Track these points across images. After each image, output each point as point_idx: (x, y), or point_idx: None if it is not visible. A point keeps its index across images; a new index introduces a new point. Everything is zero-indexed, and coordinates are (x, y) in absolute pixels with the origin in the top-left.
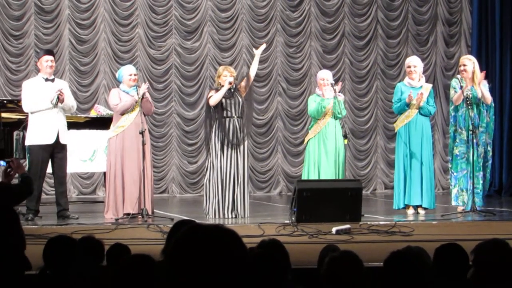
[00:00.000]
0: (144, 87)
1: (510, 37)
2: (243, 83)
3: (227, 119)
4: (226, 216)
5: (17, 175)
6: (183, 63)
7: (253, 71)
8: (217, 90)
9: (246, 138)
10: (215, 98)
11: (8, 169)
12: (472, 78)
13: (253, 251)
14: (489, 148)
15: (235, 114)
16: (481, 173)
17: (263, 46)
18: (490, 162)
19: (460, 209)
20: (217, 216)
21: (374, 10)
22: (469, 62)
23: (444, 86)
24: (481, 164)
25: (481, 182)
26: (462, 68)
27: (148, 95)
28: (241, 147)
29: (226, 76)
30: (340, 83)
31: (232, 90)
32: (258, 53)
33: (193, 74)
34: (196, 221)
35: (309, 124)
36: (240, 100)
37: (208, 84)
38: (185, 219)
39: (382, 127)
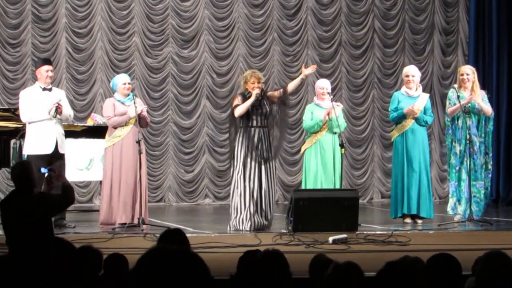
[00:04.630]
0: (143, 109)
1: (507, 46)
2: (276, 94)
3: (252, 128)
4: (246, 229)
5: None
6: (180, 71)
7: (292, 86)
8: (243, 95)
9: (275, 155)
10: (240, 110)
11: (49, 178)
12: (471, 88)
13: (255, 258)
14: (489, 159)
15: (261, 124)
16: (481, 182)
17: (313, 68)
18: (490, 172)
19: (456, 218)
20: (234, 230)
21: (370, 19)
22: (471, 72)
23: (441, 95)
24: (481, 173)
25: (482, 191)
26: (464, 77)
27: (145, 113)
28: (270, 163)
29: (254, 84)
30: (339, 105)
31: (260, 98)
32: (306, 73)
33: (190, 83)
34: (191, 229)
35: (306, 133)
36: (268, 109)
37: (205, 93)
38: (172, 228)
39: (379, 136)
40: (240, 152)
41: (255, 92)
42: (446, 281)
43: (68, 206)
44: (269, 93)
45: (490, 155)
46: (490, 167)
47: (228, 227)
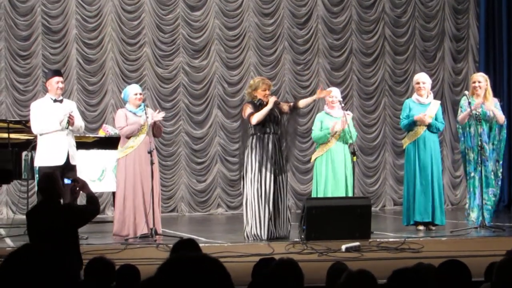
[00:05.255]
0: (160, 116)
1: None
2: (286, 107)
3: (267, 135)
4: (263, 237)
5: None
6: (191, 81)
7: (303, 103)
8: (253, 103)
9: (287, 165)
10: (258, 117)
11: (74, 188)
12: (484, 96)
13: (269, 266)
14: (499, 167)
15: (274, 131)
16: (492, 189)
17: (328, 93)
18: (500, 179)
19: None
20: (252, 239)
21: (381, 27)
22: (483, 79)
23: (452, 102)
24: (493, 181)
25: (492, 199)
26: (476, 85)
27: (160, 119)
28: (284, 173)
29: (265, 91)
30: (349, 113)
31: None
32: (319, 96)
33: (201, 92)
34: (203, 239)
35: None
36: (279, 116)
37: (216, 102)
38: (185, 239)
39: (391, 144)
40: (254, 160)
41: (273, 99)
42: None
43: (95, 216)
44: (280, 103)
45: (501, 162)
46: (500, 174)
47: (245, 236)
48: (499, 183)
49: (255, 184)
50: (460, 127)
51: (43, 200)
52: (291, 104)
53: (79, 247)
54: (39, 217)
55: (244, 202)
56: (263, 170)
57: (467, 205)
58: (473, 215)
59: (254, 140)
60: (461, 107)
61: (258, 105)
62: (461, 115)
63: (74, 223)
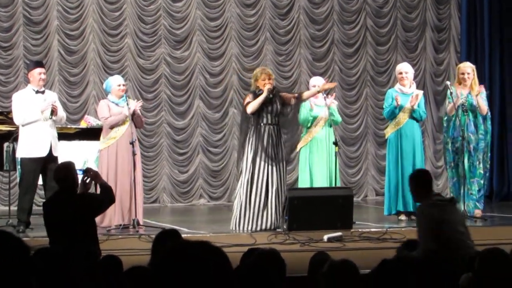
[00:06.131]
0: (138, 105)
1: (499, 43)
2: (291, 96)
3: (263, 126)
4: (249, 229)
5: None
6: (173, 72)
7: (307, 95)
8: (255, 93)
9: (285, 155)
10: (253, 106)
11: (85, 179)
12: (470, 86)
13: (248, 259)
14: (487, 158)
15: (271, 121)
16: (477, 179)
17: (334, 84)
18: (488, 170)
19: None
20: (240, 230)
21: (363, 17)
22: (471, 71)
23: (434, 92)
24: (479, 170)
25: (476, 188)
26: (465, 76)
27: (139, 111)
28: (280, 164)
29: (265, 80)
30: (333, 95)
31: (271, 96)
32: (325, 87)
33: (183, 83)
34: (186, 230)
35: (301, 131)
36: (278, 107)
37: (198, 93)
38: (167, 229)
39: (373, 134)
40: (249, 150)
41: (267, 87)
42: (438, 277)
43: (110, 205)
44: (283, 93)
45: (489, 154)
46: (487, 165)
47: (233, 226)
48: (487, 174)
49: (247, 174)
50: (446, 118)
51: (59, 190)
52: (296, 95)
53: (97, 237)
54: (56, 207)
55: (236, 191)
56: (257, 160)
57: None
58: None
59: (251, 131)
60: (448, 98)
61: (258, 95)
62: (449, 106)
63: (90, 213)
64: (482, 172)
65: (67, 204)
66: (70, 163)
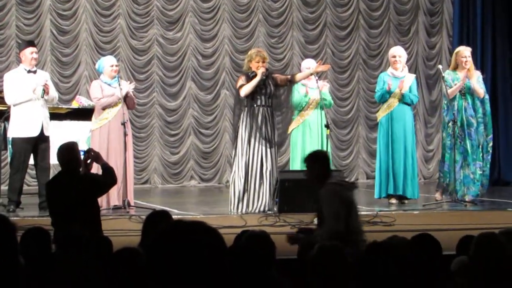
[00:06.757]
0: (130, 87)
1: (491, 27)
2: (283, 78)
3: (257, 107)
4: (244, 211)
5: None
6: (165, 53)
7: (300, 77)
8: (247, 75)
9: (277, 138)
10: (246, 89)
11: (87, 160)
12: (468, 69)
13: (239, 241)
14: (489, 141)
15: (265, 103)
16: (479, 162)
17: (327, 67)
18: (490, 154)
19: (439, 198)
20: (238, 213)
21: (355, 0)
22: (469, 54)
23: (426, 76)
24: (478, 154)
25: (478, 172)
26: (467, 59)
27: (131, 93)
28: (274, 147)
29: (259, 63)
30: (326, 79)
31: (264, 77)
32: (317, 70)
33: (175, 64)
34: (176, 211)
35: (293, 113)
36: (272, 89)
37: (190, 74)
38: (158, 210)
39: (364, 117)
40: (244, 132)
41: (261, 70)
42: (427, 261)
43: (112, 186)
44: (276, 75)
45: (490, 136)
46: (489, 149)
47: (231, 209)
48: (489, 157)
49: (244, 156)
50: (446, 101)
51: (62, 171)
52: (289, 77)
53: (100, 219)
54: (59, 188)
55: (232, 174)
56: (252, 141)
57: (443, 179)
58: (452, 186)
59: (245, 112)
60: (445, 81)
61: (251, 77)
62: (450, 90)
63: (93, 194)
64: (484, 156)
65: (70, 185)
66: (74, 143)
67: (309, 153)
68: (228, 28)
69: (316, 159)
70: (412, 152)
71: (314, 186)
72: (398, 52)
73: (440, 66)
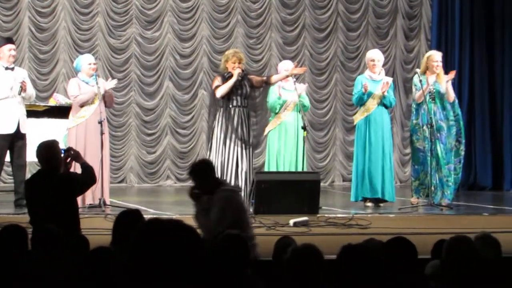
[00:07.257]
0: (113, 82)
1: (470, 32)
2: (259, 79)
3: (232, 108)
4: None
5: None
6: (143, 52)
7: (276, 78)
8: (223, 76)
9: (252, 139)
10: (222, 90)
11: (67, 158)
12: (438, 73)
13: (214, 243)
14: (461, 145)
15: (241, 104)
16: (451, 165)
17: (303, 70)
18: (462, 158)
19: (415, 202)
20: None
21: (334, 2)
22: (440, 58)
23: (403, 80)
24: (451, 157)
25: (453, 175)
26: (436, 64)
27: (111, 90)
28: (249, 148)
29: (235, 63)
30: (306, 84)
31: (240, 78)
32: (293, 72)
33: (153, 64)
34: (152, 210)
35: (269, 115)
36: (247, 90)
37: (168, 74)
38: (129, 209)
39: (341, 120)
40: (219, 133)
41: (237, 71)
42: (402, 265)
43: (91, 186)
44: (252, 76)
45: (463, 141)
46: (462, 153)
47: None
48: (462, 161)
49: (219, 157)
50: (414, 105)
51: (42, 169)
52: (265, 78)
53: (79, 218)
54: (39, 186)
55: None
56: (228, 142)
57: (414, 179)
58: (426, 190)
59: (220, 113)
60: (415, 85)
61: (226, 78)
62: (417, 94)
63: (72, 193)
64: (456, 160)
65: (49, 184)
66: (54, 141)
67: (191, 168)
68: (207, 28)
69: (202, 174)
70: (389, 155)
71: (290, 188)
72: (376, 56)
73: (418, 70)
